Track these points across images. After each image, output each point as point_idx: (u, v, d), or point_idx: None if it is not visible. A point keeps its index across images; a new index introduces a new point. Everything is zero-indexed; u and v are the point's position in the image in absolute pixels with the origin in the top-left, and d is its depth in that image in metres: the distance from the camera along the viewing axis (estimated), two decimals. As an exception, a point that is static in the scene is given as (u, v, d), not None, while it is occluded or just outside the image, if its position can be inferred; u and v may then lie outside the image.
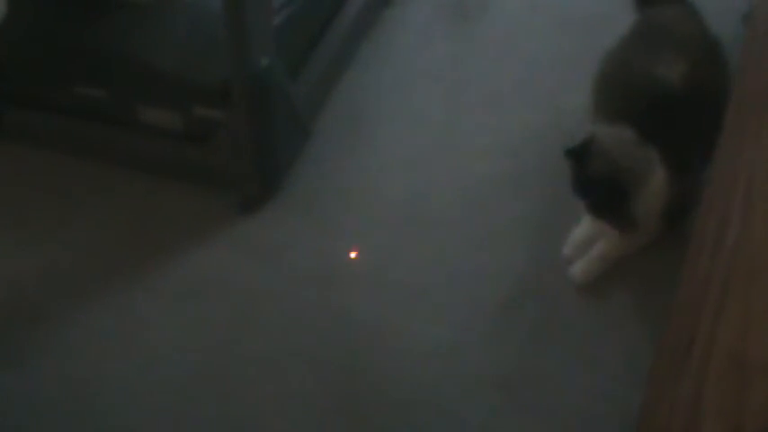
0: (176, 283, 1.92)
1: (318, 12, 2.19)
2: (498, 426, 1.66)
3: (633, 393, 1.59)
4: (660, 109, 1.84)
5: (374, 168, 2.05)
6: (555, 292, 1.85)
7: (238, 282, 1.92)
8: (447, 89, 2.27)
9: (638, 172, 1.76)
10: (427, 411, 1.69)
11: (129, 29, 2.01)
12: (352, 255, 1.93)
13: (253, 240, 1.98)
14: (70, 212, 2.07)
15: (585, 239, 1.89)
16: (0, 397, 1.76)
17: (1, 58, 2.08)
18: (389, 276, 1.91)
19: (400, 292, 1.87)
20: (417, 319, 1.83)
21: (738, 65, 1.78)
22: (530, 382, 1.72)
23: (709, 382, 0.91)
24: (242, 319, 1.86)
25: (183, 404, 1.73)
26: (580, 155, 1.79)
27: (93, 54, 2.02)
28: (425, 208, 2.02)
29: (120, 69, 2.00)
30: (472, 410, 1.69)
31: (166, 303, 1.89)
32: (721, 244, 1.04)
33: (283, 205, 2.03)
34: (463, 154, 2.12)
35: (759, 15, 1.65)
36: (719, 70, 1.95)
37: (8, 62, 2.09)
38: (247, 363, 1.79)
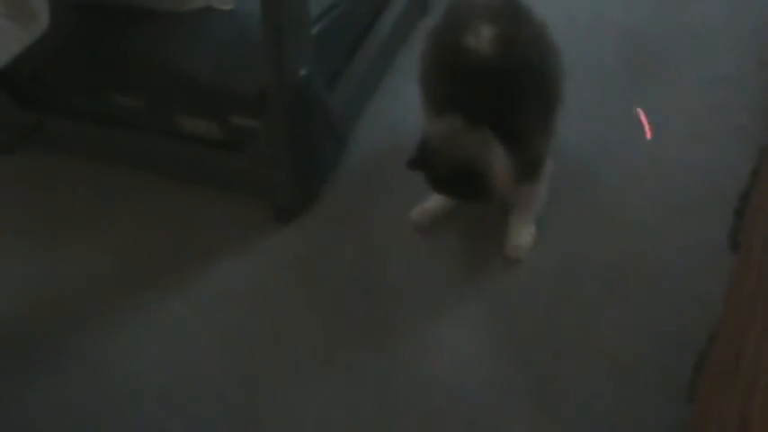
0: (212, 291, 1.93)
1: (356, 21, 2.19)
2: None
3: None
4: (478, 87, 1.78)
5: (411, 179, 2.04)
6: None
7: (272, 291, 1.92)
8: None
9: (481, 156, 1.74)
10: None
11: (168, 38, 2.02)
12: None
13: (289, 250, 1.98)
14: (108, 219, 2.09)
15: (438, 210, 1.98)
16: (36, 403, 1.77)
17: (43, 68, 2.10)
18: (420, 286, 1.91)
19: (432, 304, 1.88)
20: (448, 329, 1.83)
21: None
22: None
23: (756, 401, 0.90)
24: (275, 329, 1.86)
25: (218, 412, 1.74)
26: (422, 161, 1.79)
27: (133, 64, 2.03)
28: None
29: (159, 79, 2.01)
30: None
31: (203, 311, 1.90)
32: (766, 268, 1.03)
33: (319, 215, 2.04)
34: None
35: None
36: (533, 35, 1.89)
37: (50, 71, 2.11)
38: (282, 371, 1.79)
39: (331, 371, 1.78)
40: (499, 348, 1.79)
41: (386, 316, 1.86)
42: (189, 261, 1.99)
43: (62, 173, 2.19)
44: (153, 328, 1.88)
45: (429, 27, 1.98)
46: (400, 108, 2.19)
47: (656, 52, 2.31)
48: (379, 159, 2.14)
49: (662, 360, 1.73)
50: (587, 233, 1.95)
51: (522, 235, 1.94)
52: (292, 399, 1.74)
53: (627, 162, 2.07)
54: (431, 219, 1.99)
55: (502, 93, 1.77)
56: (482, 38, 1.77)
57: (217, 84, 1.94)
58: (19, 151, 2.21)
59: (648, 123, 2.13)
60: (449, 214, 2.00)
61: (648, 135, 2.11)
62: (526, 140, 1.81)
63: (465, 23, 1.82)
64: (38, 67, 2.09)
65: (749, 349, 1.03)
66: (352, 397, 1.74)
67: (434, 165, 1.78)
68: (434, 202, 1.99)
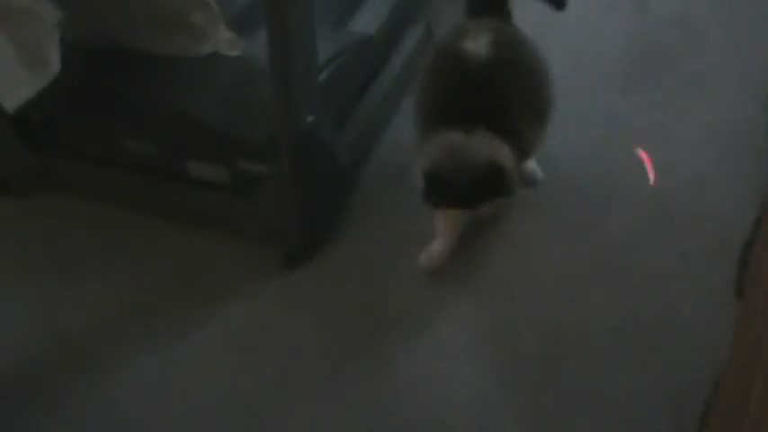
0: (221, 334, 1.94)
1: (363, 67, 2.21)
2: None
3: None
4: (473, 89, 1.91)
5: (420, 222, 2.06)
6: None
7: (281, 335, 1.93)
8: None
9: (491, 152, 1.85)
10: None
11: (177, 83, 2.05)
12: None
13: (297, 294, 1.99)
14: (116, 262, 2.10)
15: (444, 250, 2.00)
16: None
17: (53, 111, 2.12)
18: (434, 329, 1.91)
19: (442, 345, 1.88)
20: (458, 373, 1.83)
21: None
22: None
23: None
24: (285, 372, 1.86)
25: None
26: (436, 189, 1.87)
27: (142, 108, 2.05)
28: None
29: (168, 123, 2.03)
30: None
31: (211, 355, 1.90)
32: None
33: (328, 259, 2.05)
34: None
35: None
36: (525, 47, 2.05)
37: (59, 115, 2.13)
38: (291, 416, 1.79)
39: (341, 414, 1.78)
40: (503, 391, 1.80)
41: (395, 360, 1.87)
42: (197, 304, 2.00)
43: (72, 216, 2.20)
44: (162, 371, 1.88)
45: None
46: (407, 151, 2.20)
47: (660, 95, 2.32)
48: (387, 202, 2.15)
49: (668, 405, 1.73)
50: (593, 278, 1.96)
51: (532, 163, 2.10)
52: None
53: (631, 206, 2.08)
54: (440, 261, 2.01)
55: (496, 94, 1.91)
56: (479, 42, 1.94)
57: (225, 129, 1.96)
58: (29, 194, 2.23)
59: (652, 167, 2.14)
60: (455, 251, 2.01)
61: (652, 178, 2.12)
62: (521, 138, 1.92)
63: (463, 34, 2.00)
64: (48, 111, 2.12)
65: (755, 399, 1.03)
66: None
67: (450, 182, 1.86)
68: (439, 243, 2.00)
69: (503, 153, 1.88)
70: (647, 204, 2.08)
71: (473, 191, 1.89)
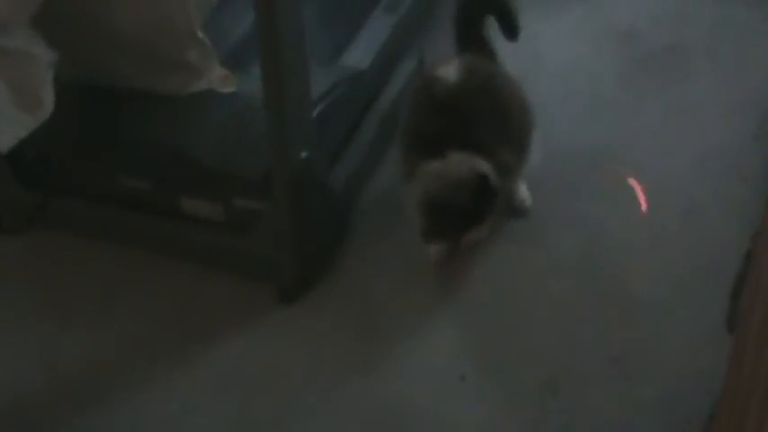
0: (219, 371, 1.94)
1: (356, 101, 2.23)
2: None
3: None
4: (449, 114, 1.97)
5: (416, 255, 2.07)
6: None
7: (279, 371, 1.93)
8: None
9: (479, 170, 1.89)
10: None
11: (171, 121, 2.06)
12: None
13: (294, 330, 2.00)
14: (113, 300, 2.10)
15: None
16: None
17: (48, 149, 2.13)
18: (432, 363, 1.92)
19: (438, 380, 1.88)
20: (455, 407, 1.83)
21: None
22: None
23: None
24: (283, 408, 1.86)
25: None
26: (433, 218, 1.91)
27: (136, 145, 2.06)
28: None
29: (163, 161, 2.04)
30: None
31: (209, 392, 1.91)
32: (764, 348, 1.04)
33: (323, 294, 2.05)
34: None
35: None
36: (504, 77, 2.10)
37: (55, 153, 2.14)
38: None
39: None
40: (502, 424, 1.80)
41: (393, 396, 1.87)
42: (193, 341, 2.00)
43: (68, 253, 2.21)
44: (160, 408, 1.88)
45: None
46: (401, 185, 2.22)
47: (650, 125, 2.34)
48: (382, 236, 2.16)
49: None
50: (588, 308, 1.97)
51: (523, 190, 2.13)
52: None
53: (623, 236, 2.09)
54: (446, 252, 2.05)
55: (464, 117, 1.95)
56: (449, 69, 2.01)
57: (220, 166, 1.97)
58: (24, 232, 2.24)
59: (644, 195, 2.15)
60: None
61: (644, 208, 2.13)
62: (497, 158, 1.94)
63: (438, 63, 2.08)
64: (43, 149, 2.13)
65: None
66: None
67: (444, 203, 1.89)
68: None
69: (483, 165, 1.90)
70: (640, 234, 2.09)
71: (466, 206, 1.90)
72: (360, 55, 2.28)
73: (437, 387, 1.87)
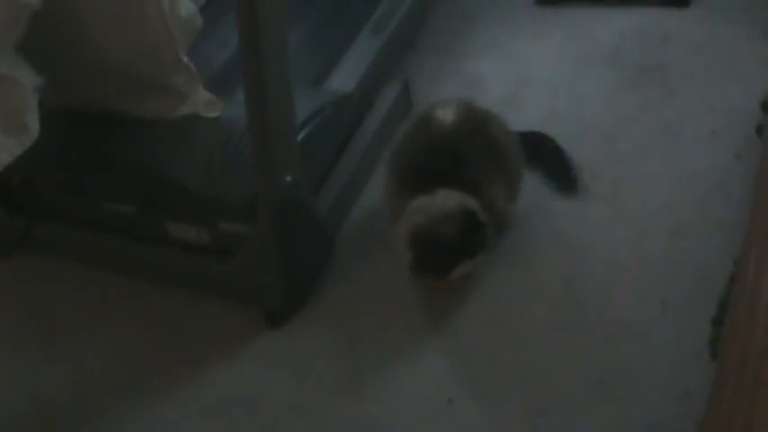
0: (205, 396, 1.94)
1: (340, 125, 2.23)
2: None
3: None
4: (441, 155, 2.01)
5: (398, 278, 2.07)
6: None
7: (266, 395, 1.93)
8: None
9: (468, 207, 1.92)
10: None
11: (156, 145, 2.06)
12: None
13: (280, 354, 1.99)
14: (98, 325, 2.10)
15: None
16: None
17: (32, 174, 2.13)
18: (418, 385, 1.91)
19: (425, 403, 1.88)
20: (449, 429, 1.83)
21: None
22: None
23: None
24: (270, 430, 1.86)
25: None
26: (424, 253, 1.92)
27: (121, 170, 2.06)
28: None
29: (147, 185, 2.04)
30: None
31: (196, 417, 1.90)
32: (743, 381, 1.04)
33: (310, 318, 2.05)
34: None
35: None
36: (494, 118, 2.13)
37: (39, 178, 2.14)
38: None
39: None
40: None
41: (380, 418, 1.86)
42: (179, 366, 2.00)
43: (52, 278, 2.20)
44: (146, 433, 1.88)
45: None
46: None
47: (635, 145, 2.34)
48: (367, 260, 2.16)
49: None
50: (574, 331, 1.96)
51: None
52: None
53: (609, 259, 2.09)
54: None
55: (457, 156, 1.99)
56: (446, 110, 2.05)
57: (205, 191, 1.97)
58: (9, 257, 2.23)
59: (629, 216, 2.16)
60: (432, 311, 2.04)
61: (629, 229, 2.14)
62: (488, 196, 1.98)
63: (436, 105, 2.11)
64: (28, 174, 2.12)
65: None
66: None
67: (431, 239, 1.91)
68: None
69: (470, 202, 1.93)
70: (625, 255, 2.09)
71: (454, 241, 1.91)
72: (345, 78, 2.29)
73: (424, 410, 1.87)
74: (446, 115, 2.06)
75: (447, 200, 1.93)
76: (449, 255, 1.93)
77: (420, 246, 1.92)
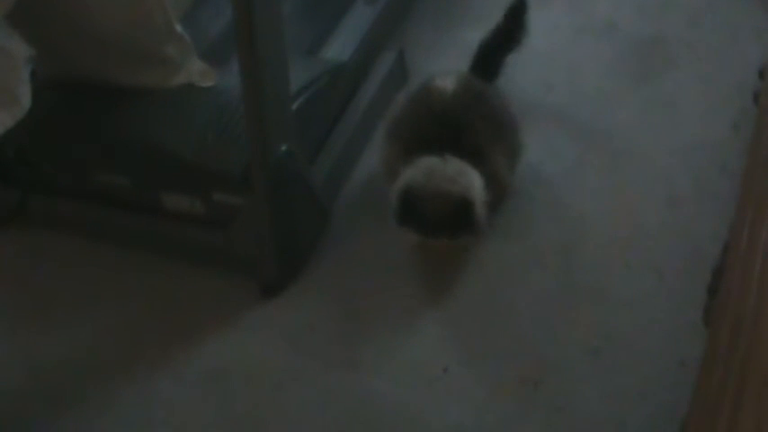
0: (201, 367, 1.93)
1: (336, 94, 2.22)
2: None
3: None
4: (444, 122, 2.01)
5: (395, 249, 2.07)
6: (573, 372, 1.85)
7: (261, 365, 1.92)
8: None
9: (464, 183, 1.90)
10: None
11: (150, 116, 2.05)
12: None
13: (275, 324, 1.99)
14: (93, 297, 2.09)
15: None
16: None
17: (26, 146, 2.12)
18: (413, 356, 1.91)
19: (421, 372, 1.88)
20: (437, 400, 1.83)
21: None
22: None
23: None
24: (266, 403, 1.86)
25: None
26: (409, 211, 1.92)
27: (115, 141, 2.05)
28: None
29: (142, 156, 2.03)
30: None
31: (191, 387, 1.90)
32: (735, 350, 1.04)
33: (305, 288, 2.05)
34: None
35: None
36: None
37: (33, 150, 2.13)
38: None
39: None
40: (482, 418, 1.79)
41: (375, 387, 1.86)
42: (175, 338, 1.99)
43: (47, 250, 2.19)
44: (141, 407, 1.88)
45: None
46: (380, 178, 2.22)
47: (632, 116, 2.34)
48: (362, 230, 2.15)
49: (650, 426, 1.74)
50: (569, 300, 1.96)
51: None
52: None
53: (606, 229, 2.09)
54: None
55: (460, 123, 2.00)
56: (448, 82, 2.07)
57: (200, 161, 1.96)
58: (2, 230, 2.22)
59: (626, 187, 2.16)
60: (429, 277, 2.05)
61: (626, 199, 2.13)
62: (490, 166, 1.98)
63: (436, 75, 2.13)
64: (21, 146, 2.11)
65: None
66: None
67: (425, 209, 1.91)
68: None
69: (475, 185, 1.92)
70: (621, 225, 2.09)
71: (440, 221, 1.92)
72: (340, 47, 2.28)
73: (419, 380, 1.86)
74: (446, 85, 2.07)
75: (456, 178, 1.91)
76: (430, 225, 1.94)
77: (405, 203, 1.92)
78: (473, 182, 1.92)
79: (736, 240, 1.37)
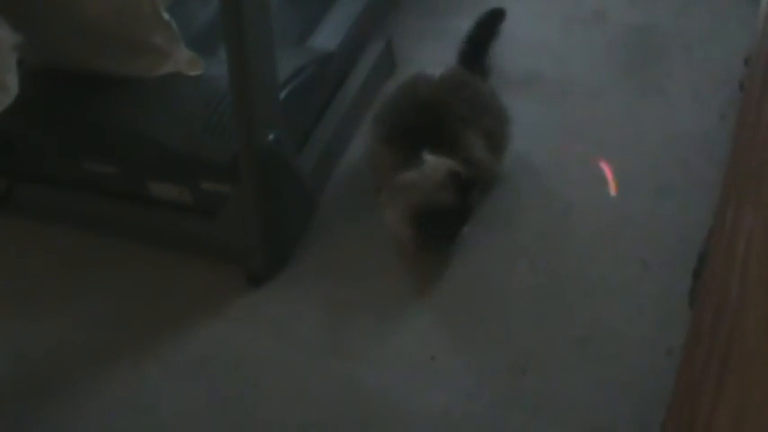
0: (188, 355, 1.93)
1: (323, 84, 2.22)
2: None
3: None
4: (425, 114, 2.04)
5: (381, 238, 2.07)
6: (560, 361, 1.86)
7: (248, 354, 1.92)
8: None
9: (455, 174, 1.94)
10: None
11: (137, 104, 2.05)
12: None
13: (262, 312, 1.99)
14: (80, 286, 2.09)
15: None
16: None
17: (13, 134, 2.11)
18: (400, 345, 1.91)
19: (408, 360, 1.88)
20: (425, 388, 1.83)
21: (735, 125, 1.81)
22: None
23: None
24: (253, 391, 1.86)
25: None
26: (432, 228, 1.96)
27: (103, 130, 2.05)
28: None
29: (129, 145, 2.03)
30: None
31: (179, 376, 1.90)
32: (717, 332, 1.04)
33: (292, 277, 2.05)
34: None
35: (752, 79, 1.69)
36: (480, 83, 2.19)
37: (19, 138, 2.12)
38: (260, 434, 1.79)
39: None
40: (469, 406, 1.80)
41: (361, 376, 1.86)
42: (162, 326, 1.99)
43: (34, 239, 2.19)
44: (128, 394, 1.88)
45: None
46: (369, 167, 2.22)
47: (619, 106, 2.34)
48: (349, 217, 2.15)
49: (631, 416, 1.74)
50: (555, 289, 1.97)
51: None
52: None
53: (592, 217, 2.09)
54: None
55: (441, 111, 2.03)
56: (434, 72, 2.11)
57: (187, 150, 1.95)
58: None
59: (613, 179, 2.16)
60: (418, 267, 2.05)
61: (613, 191, 2.14)
62: (473, 156, 2.02)
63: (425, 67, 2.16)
64: (7, 134, 2.11)
65: (700, 422, 1.04)
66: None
67: (441, 220, 1.95)
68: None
69: (453, 164, 1.96)
70: (609, 215, 2.09)
71: (455, 207, 1.95)
72: (328, 36, 2.28)
73: (407, 368, 1.87)
74: (432, 75, 2.10)
75: (435, 169, 1.95)
76: (453, 222, 1.97)
77: (424, 222, 1.94)
78: (451, 164, 1.96)
79: (719, 224, 1.37)
